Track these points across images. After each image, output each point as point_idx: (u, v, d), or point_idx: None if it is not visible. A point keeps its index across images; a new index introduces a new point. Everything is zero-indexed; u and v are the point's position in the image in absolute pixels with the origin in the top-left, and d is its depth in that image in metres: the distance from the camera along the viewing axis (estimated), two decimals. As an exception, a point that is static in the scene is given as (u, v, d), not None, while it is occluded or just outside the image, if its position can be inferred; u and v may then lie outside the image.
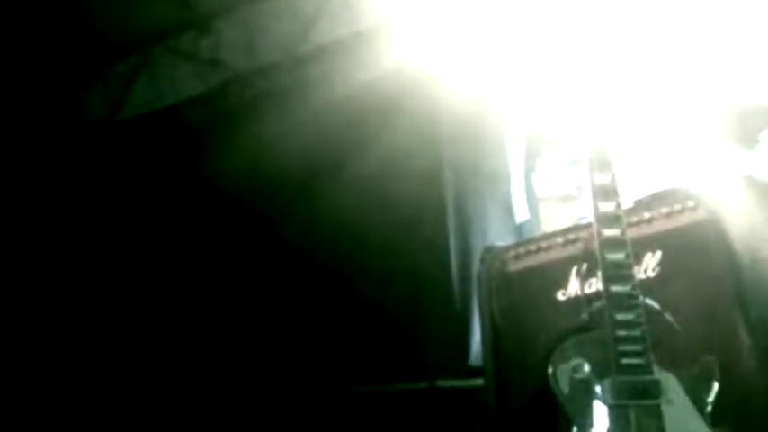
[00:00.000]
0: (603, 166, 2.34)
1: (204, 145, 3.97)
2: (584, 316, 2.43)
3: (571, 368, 2.24)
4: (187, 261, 3.84)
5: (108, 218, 4.15)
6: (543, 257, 2.58)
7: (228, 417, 3.45)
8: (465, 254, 3.31)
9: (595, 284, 2.43)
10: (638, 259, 2.39)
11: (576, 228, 2.58)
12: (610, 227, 2.29)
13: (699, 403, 2.17)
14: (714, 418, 2.15)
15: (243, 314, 3.65)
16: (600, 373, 2.21)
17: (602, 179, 2.33)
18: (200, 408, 3.52)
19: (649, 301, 2.33)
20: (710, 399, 2.17)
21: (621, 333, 2.21)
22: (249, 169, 3.68)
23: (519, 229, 3.36)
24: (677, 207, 2.42)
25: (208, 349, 3.64)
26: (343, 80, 3.48)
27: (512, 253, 2.62)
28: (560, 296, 2.51)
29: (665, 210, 2.43)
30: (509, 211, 3.39)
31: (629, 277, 2.25)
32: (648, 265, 2.42)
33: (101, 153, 4.30)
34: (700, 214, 2.38)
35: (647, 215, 2.45)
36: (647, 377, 2.18)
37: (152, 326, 3.81)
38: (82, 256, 4.11)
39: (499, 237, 3.19)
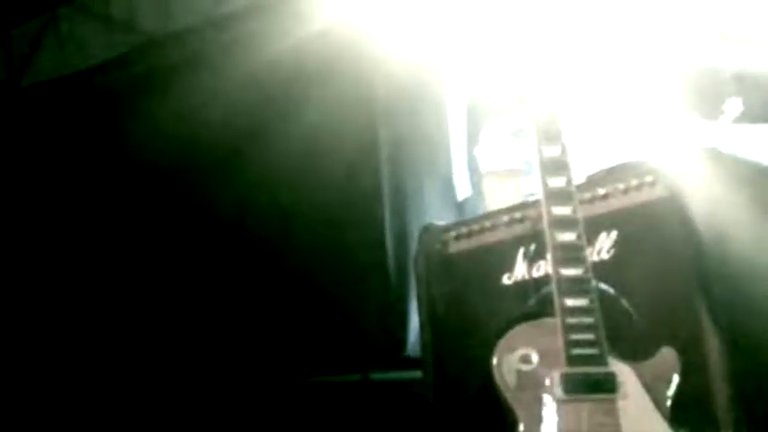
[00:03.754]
0: (553, 137, 2.30)
1: (119, 112, 3.89)
2: (532, 302, 2.40)
3: (518, 359, 2.19)
4: (102, 236, 3.74)
5: (17, 190, 4.04)
6: (487, 238, 2.53)
7: (149, 412, 3.36)
8: (401, 234, 3.26)
9: (544, 267, 2.40)
10: (592, 240, 2.35)
11: (522, 205, 2.54)
12: (560, 204, 2.25)
13: (657, 397, 2.12)
14: (674, 414, 2.11)
15: (162, 299, 3.56)
16: (549, 364, 2.16)
17: (552, 152, 2.29)
18: (120, 399, 3.42)
19: (603, 286, 2.30)
20: (670, 393, 2.13)
21: (573, 321, 2.16)
22: (168, 139, 3.61)
23: (460, 206, 3.32)
24: (634, 183, 2.37)
25: (124, 334, 3.54)
26: (269, 43, 3.40)
27: (452, 233, 2.58)
28: (506, 280, 2.48)
29: (620, 186, 2.39)
30: (450, 186, 3.35)
31: (582, 260, 2.21)
32: (603, 247, 2.38)
33: (3, 122, 4.19)
34: (659, 191, 2.34)
35: (601, 191, 2.41)
36: (601, 369, 2.13)
37: (66, 308, 3.72)
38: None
39: (439, 215, 3.12)
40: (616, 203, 2.39)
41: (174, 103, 3.62)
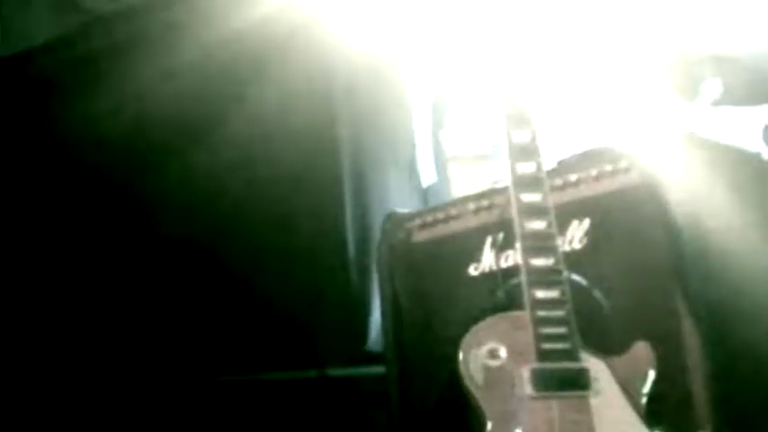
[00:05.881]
0: (522, 120, 2.28)
1: (60, 98, 3.81)
2: (501, 294, 2.36)
3: (485, 354, 2.17)
4: (33, 227, 3.66)
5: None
6: (453, 226, 2.49)
7: (79, 416, 3.29)
8: (362, 223, 3.20)
9: (513, 257, 2.36)
10: (563, 228, 2.33)
11: (490, 192, 2.50)
12: (529, 191, 2.23)
13: (632, 394, 2.11)
14: (649, 411, 2.10)
15: (105, 292, 3.48)
16: (518, 359, 2.14)
17: (521, 136, 2.27)
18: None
19: (575, 277, 2.28)
20: (645, 389, 2.11)
21: (543, 314, 2.14)
22: (112, 125, 3.52)
23: (425, 193, 3.29)
24: (608, 168, 2.36)
25: (56, 333, 3.46)
26: (221, 23, 3.33)
27: (417, 221, 2.53)
28: (473, 271, 2.44)
29: (593, 171, 2.37)
30: (413, 172, 3.31)
31: (552, 249, 2.20)
32: (574, 236, 2.36)
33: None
34: (634, 177, 2.33)
35: (572, 178, 2.38)
36: (573, 365, 2.11)
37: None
38: None
39: (402, 202, 3.08)
40: (589, 190, 2.37)
41: (118, 86, 3.54)
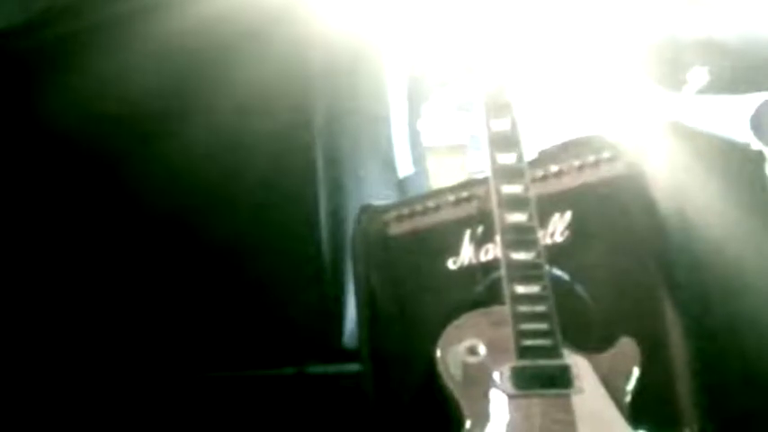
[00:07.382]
0: (502, 109, 2.25)
1: (31, 83, 3.77)
2: (480, 288, 2.34)
3: (464, 351, 2.15)
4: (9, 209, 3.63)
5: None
6: (431, 219, 2.47)
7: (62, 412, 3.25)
8: (337, 215, 3.14)
9: (492, 251, 2.34)
10: (544, 221, 2.30)
11: (469, 183, 2.48)
12: (510, 182, 2.20)
13: (616, 392, 2.08)
14: (633, 409, 2.07)
15: (78, 285, 3.44)
16: (498, 356, 2.11)
17: (501, 125, 2.24)
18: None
19: (557, 272, 2.26)
20: (629, 387, 2.09)
21: (524, 309, 2.11)
22: (83, 111, 3.48)
23: (402, 184, 3.24)
24: (591, 159, 2.33)
25: (29, 323, 3.43)
26: (197, 6, 3.30)
27: (393, 213, 2.51)
28: (451, 265, 2.41)
29: (576, 162, 2.34)
30: (390, 163, 3.27)
31: (533, 242, 2.16)
32: (556, 228, 2.33)
33: None
34: (618, 167, 2.30)
35: (554, 168, 2.36)
36: (555, 362, 2.08)
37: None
38: None
39: (378, 194, 3.03)
40: (571, 181, 2.34)
41: (94, 69, 3.50)
